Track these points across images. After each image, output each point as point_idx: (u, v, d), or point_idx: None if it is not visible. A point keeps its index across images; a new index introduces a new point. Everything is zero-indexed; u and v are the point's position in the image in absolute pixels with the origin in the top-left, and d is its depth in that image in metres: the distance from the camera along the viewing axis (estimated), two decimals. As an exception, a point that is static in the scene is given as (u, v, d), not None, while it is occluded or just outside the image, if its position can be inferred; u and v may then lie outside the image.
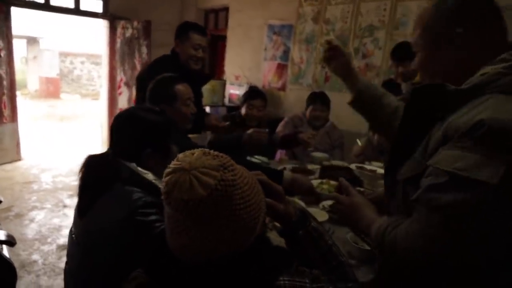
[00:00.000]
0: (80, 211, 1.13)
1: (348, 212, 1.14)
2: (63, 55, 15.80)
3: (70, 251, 1.18)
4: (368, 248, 1.37)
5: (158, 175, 1.22)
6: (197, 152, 0.78)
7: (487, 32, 0.89)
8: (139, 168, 1.14)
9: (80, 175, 1.14)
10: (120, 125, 1.23)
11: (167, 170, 0.76)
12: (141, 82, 2.44)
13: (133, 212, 1.03)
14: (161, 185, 1.17)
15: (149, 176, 1.14)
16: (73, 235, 1.15)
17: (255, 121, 2.85)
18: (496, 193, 0.74)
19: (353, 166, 2.22)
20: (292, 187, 1.80)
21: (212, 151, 0.79)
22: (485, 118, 0.77)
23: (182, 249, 0.75)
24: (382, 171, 2.16)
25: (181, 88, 1.89)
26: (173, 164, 0.76)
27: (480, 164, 0.75)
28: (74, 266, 1.14)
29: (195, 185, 0.71)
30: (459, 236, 0.80)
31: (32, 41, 15.07)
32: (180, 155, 0.78)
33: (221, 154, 0.79)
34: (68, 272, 1.16)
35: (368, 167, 2.24)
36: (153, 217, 1.03)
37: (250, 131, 2.48)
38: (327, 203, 1.80)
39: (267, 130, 2.55)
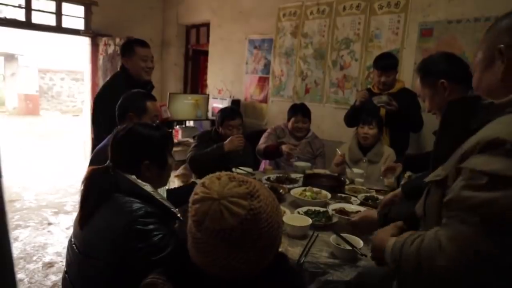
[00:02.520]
0: (81, 221, 1.19)
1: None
2: (43, 71, 15.60)
3: (70, 261, 1.23)
4: (350, 248, 1.46)
5: (155, 185, 1.30)
6: (223, 177, 0.81)
7: None
8: (139, 180, 1.22)
9: (83, 188, 1.20)
10: (120, 140, 1.31)
11: (195, 197, 0.79)
12: (100, 101, 2.62)
13: (134, 221, 1.10)
14: (158, 196, 1.24)
15: (148, 187, 1.22)
16: (74, 245, 1.21)
17: None
18: None
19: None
20: None
21: (236, 175, 0.83)
22: (498, 137, 0.78)
23: (209, 266, 0.80)
24: None
25: (151, 105, 2.08)
26: (201, 191, 0.79)
27: None
28: (75, 274, 1.20)
29: (226, 216, 0.75)
30: (493, 240, 0.75)
31: (10, 58, 14.85)
32: (207, 181, 0.82)
33: (246, 179, 0.82)
34: (69, 282, 1.21)
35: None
36: (151, 226, 1.11)
37: (228, 139, 2.67)
38: (302, 209, 1.91)
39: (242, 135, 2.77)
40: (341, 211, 1.88)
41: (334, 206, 1.95)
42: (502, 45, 0.90)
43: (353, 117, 3.08)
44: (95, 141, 2.71)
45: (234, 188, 0.78)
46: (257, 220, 0.77)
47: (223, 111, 3.00)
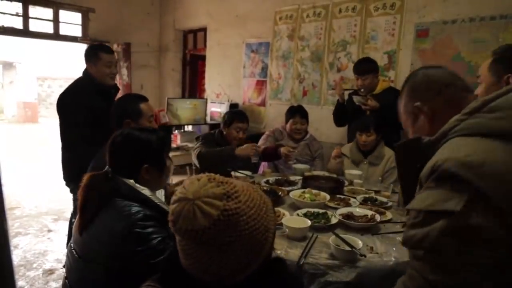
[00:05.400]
0: (81, 227, 1.19)
1: None
2: (41, 79, 15.64)
3: (70, 266, 1.24)
4: (349, 249, 1.46)
5: (154, 188, 1.30)
6: (202, 178, 0.80)
7: (445, 97, 1.06)
8: (137, 185, 1.23)
9: (81, 194, 1.21)
10: (118, 146, 1.32)
11: (174, 197, 0.79)
12: (64, 106, 2.55)
13: (133, 224, 1.11)
14: (156, 200, 1.25)
15: (146, 191, 1.23)
16: (73, 250, 1.21)
17: (237, 141, 2.88)
18: (463, 219, 0.80)
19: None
20: None
21: (217, 177, 0.81)
22: (439, 160, 0.87)
23: (192, 269, 0.79)
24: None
25: (145, 106, 2.06)
26: (179, 192, 0.79)
27: (445, 198, 0.83)
28: (75, 280, 1.20)
29: (198, 216, 0.74)
30: (439, 270, 0.83)
31: (8, 66, 14.88)
32: (186, 182, 0.81)
33: (226, 180, 0.80)
34: (69, 287, 1.22)
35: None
36: (150, 229, 1.12)
37: (244, 145, 2.72)
38: (302, 211, 1.91)
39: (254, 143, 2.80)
40: (348, 216, 1.87)
41: (341, 211, 1.94)
42: (418, 103, 1.07)
43: (340, 114, 3.21)
44: (64, 149, 2.65)
45: (210, 189, 0.77)
46: (233, 222, 0.75)
47: (233, 112, 3.05)
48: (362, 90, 3.00)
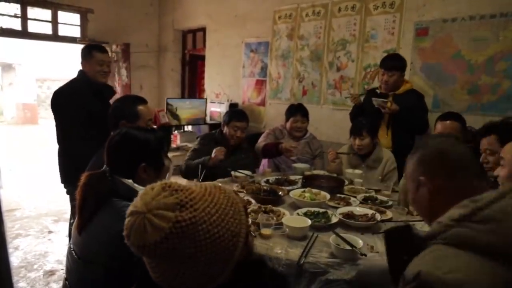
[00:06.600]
0: (80, 227, 1.19)
1: None
2: (40, 80, 15.62)
3: (70, 267, 1.23)
4: (349, 248, 1.46)
5: None
6: (156, 187, 0.75)
7: (449, 180, 0.99)
8: (135, 185, 1.23)
9: (80, 193, 1.20)
10: (115, 145, 1.32)
11: (128, 211, 0.74)
12: (59, 106, 2.59)
13: None
14: None
15: None
16: (73, 251, 1.21)
17: (237, 141, 2.89)
18: None
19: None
20: None
21: (173, 184, 0.75)
22: (421, 271, 0.82)
23: (159, 282, 0.75)
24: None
25: (143, 108, 2.00)
26: (132, 205, 0.74)
27: None
28: (75, 281, 1.20)
29: (148, 230, 0.69)
30: None
31: (7, 67, 14.87)
32: (142, 192, 0.76)
33: (182, 187, 0.75)
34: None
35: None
36: None
37: (212, 153, 2.65)
38: (302, 211, 1.91)
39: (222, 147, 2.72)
40: (348, 215, 1.87)
41: (341, 210, 1.93)
42: (423, 178, 1.02)
43: (358, 115, 3.11)
44: (60, 149, 2.65)
45: (162, 199, 0.72)
46: (189, 233, 0.70)
47: (231, 111, 3.07)
48: (381, 86, 2.94)
